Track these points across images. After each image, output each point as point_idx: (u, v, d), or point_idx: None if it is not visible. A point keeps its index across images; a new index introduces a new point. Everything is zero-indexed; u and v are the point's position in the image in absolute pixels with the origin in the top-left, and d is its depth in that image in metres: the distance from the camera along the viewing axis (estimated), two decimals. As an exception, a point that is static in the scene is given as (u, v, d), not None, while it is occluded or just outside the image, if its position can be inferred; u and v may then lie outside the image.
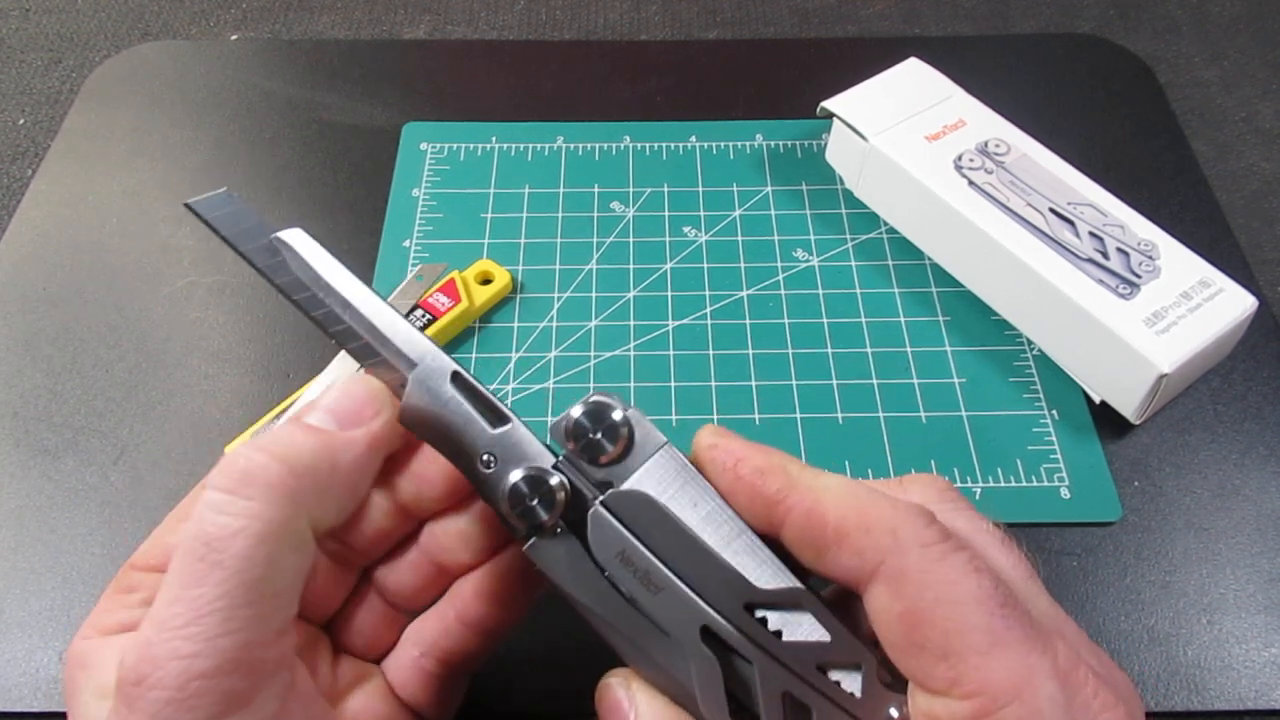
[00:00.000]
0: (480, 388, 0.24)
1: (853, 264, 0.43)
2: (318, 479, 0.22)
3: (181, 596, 0.20)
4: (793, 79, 0.51)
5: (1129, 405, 0.37)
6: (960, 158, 0.42)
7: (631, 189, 0.46)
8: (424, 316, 0.39)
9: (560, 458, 0.24)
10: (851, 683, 0.23)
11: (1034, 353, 0.40)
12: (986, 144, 0.42)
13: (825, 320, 0.41)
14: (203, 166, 0.47)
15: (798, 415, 0.38)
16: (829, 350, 0.40)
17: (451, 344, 0.40)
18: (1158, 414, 0.39)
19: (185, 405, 0.39)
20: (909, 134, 0.42)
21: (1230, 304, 0.37)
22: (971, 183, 0.41)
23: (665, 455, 0.24)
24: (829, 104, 0.44)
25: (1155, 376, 0.35)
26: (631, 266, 0.43)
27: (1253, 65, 0.53)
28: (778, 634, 0.23)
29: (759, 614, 0.23)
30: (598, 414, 0.23)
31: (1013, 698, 0.20)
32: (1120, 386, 0.37)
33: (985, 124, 0.43)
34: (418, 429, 0.24)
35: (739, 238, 0.44)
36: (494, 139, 0.48)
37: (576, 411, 0.23)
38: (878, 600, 0.22)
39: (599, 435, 0.23)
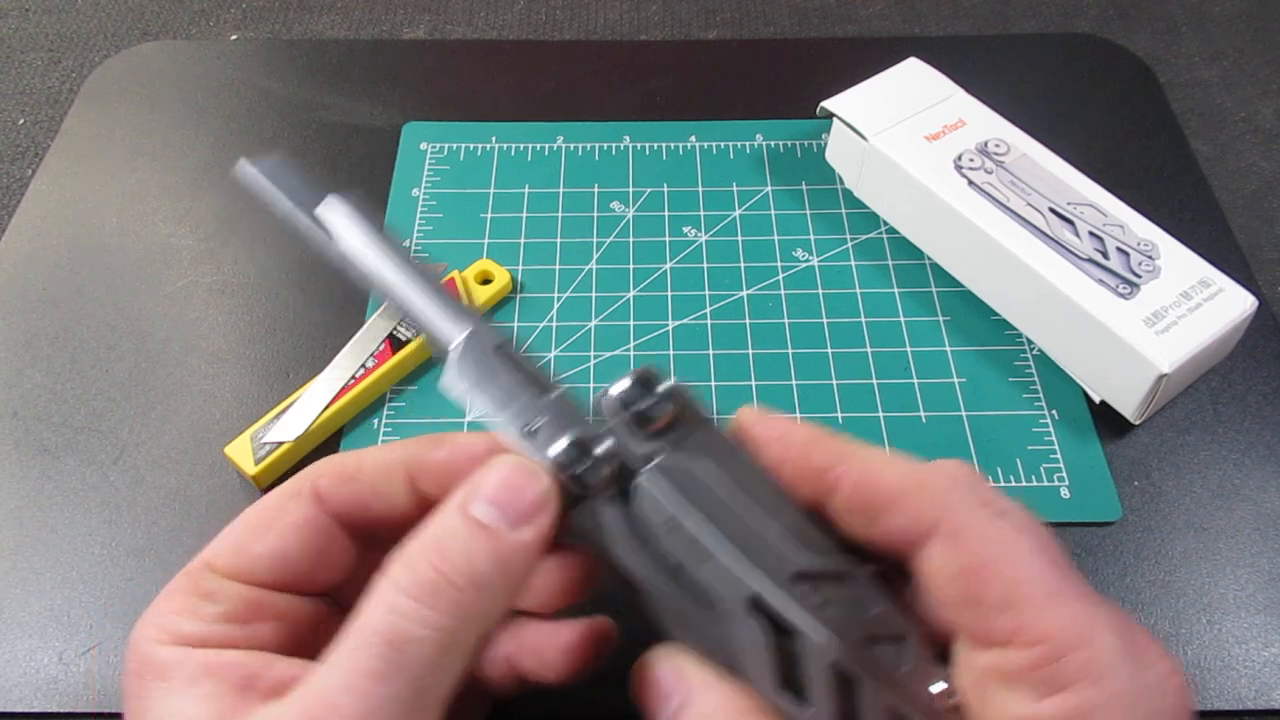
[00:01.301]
0: (526, 357, 0.24)
1: (852, 264, 0.43)
2: (495, 590, 0.22)
3: (356, 688, 0.20)
4: (792, 79, 0.51)
5: (1129, 405, 0.37)
6: (960, 157, 0.42)
7: (631, 189, 0.46)
8: None
9: (606, 428, 0.24)
10: (896, 657, 0.23)
11: (1034, 352, 0.40)
12: (986, 144, 0.42)
13: (825, 320, 0.41)
14: (203, 166, 0.47)
15: (798, 415, 0.38)
16: (829, 350, 0.40)
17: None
18: (1157, 414, 0.39)
19: (185, 405, 0.39)
20: (909, 134, 0.42)
21: (1230, 304, 0.37)
22: (971, 182, 0.41)
23: (711, 429, 0.24)
24: (829, 104, 0.44)
25: (1155, 376, 0.35)
26: (631, 266, 0.43)
27: (1253, 65, 0.53)
28: (826, 605, 0.23)
29: (806, 586, 0.23)
30: (646, 385, 0.23)
31: (1076, 645, 0.20)
32: (1120, 386, 0.37)
33: (985, 124, 0.43)
34: (469, 394, 0.24)
35: (739, 238, 0.44)
36: (494, 139, 0.48)
37: (625, 382, 0.24)
38: (934, 558, 0.22)
39: (647, 406, 0.23)
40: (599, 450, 0.23)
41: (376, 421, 0.38)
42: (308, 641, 0.24)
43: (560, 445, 0.23)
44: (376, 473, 0.24)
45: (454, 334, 0.24)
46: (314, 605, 0.25)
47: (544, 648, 0.26)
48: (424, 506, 0.24)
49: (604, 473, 0.23)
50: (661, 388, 0.23)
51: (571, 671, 0.26)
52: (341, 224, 0.25)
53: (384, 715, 0.20)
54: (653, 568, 0.23)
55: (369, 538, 0.25)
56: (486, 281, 0.41)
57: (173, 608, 0.23)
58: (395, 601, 0.21)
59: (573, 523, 0.23)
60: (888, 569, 0.24)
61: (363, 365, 0.38)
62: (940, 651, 0.23)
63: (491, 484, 0.22)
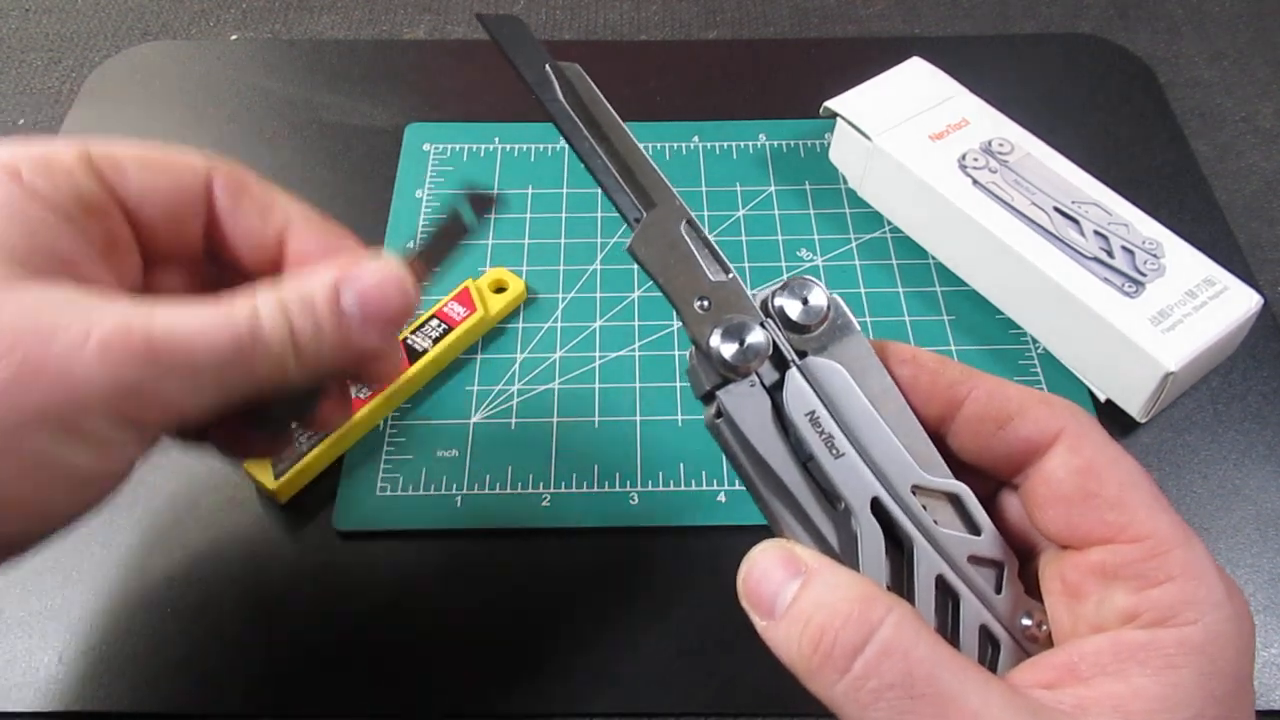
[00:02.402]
0: (710, 238, 0.26)
1: (857, 263, 0.43)
2: (320, 365, 0.25)
3: (200, 342, 0.23)
4: (794, 79, 0.51)
5: (1135, 404, 0.37)
6: (964, 157, 0.42)
7: (634, 189, 0.46)
8: (440, 326, 0.39)
9: (766, 320, 0.25)
10: (993, 581, 0.24)
11: (1039, 351, 0.40)
12: (990, 143, 0.42)
13: (830, 319, 0.41)
14: (203, 166, 0.47)
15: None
16: (833, 349, 0.40)
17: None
18: (1159, 414, 0.39)
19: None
20: (913, 133, 0.43)
21: (1235, 302, 0.37)
22: (975, 182, 0.41)
23: (857, 339, 0.25)
24: (832, 104, 0.44)
25: (1161, 375, 0.35)
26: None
27: (1253, 65, 0.53)
28: (936, 523, 0.24)
29: (921, 500, 0.24)
30: (802, 289, 0.25)
31: (1179, 544, 0.22)
32: (1126, 385, 0.37)
33: (989, 123, 0.43)
34: (646, 262, 0.26)
35: (743, 237, 0.44)
36: (497, 140, 0.48)
37: (784, 285, 0.25)
38: (1056, 458, 0.24)
39: (804, 307, 0.25)
40: (757, 337, 0.24)
41: (382, 425, 0.38)
42: (111, 264, 0.25)
43: (723, 324, 0.25)
44: (262, 203, 0.28)
45: (648, 203, 0.26)
46: (133, 246, 0.27)
47: None
48: (277, 258, 0.28)
49: (756, 359, 0.24)
50: (821, 295, 0.25)
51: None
52: (568, 88, 0.27)
53: (201, 379, 0.23)
54: (787, 456, 0.24)
55: (217, 242, 0.28)
56: (500, 290, 0.41)
57: (37, 162, 0.24)
58: (267, 319, 0.24)
59: (719, 400, 0.25)
60: (986, 497, 0.25)
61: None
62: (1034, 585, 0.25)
63: (369, 283, 0.25)
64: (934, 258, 0.43)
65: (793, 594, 0.22)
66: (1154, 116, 0.49)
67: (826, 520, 0.24)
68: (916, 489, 0.24)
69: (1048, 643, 0.24)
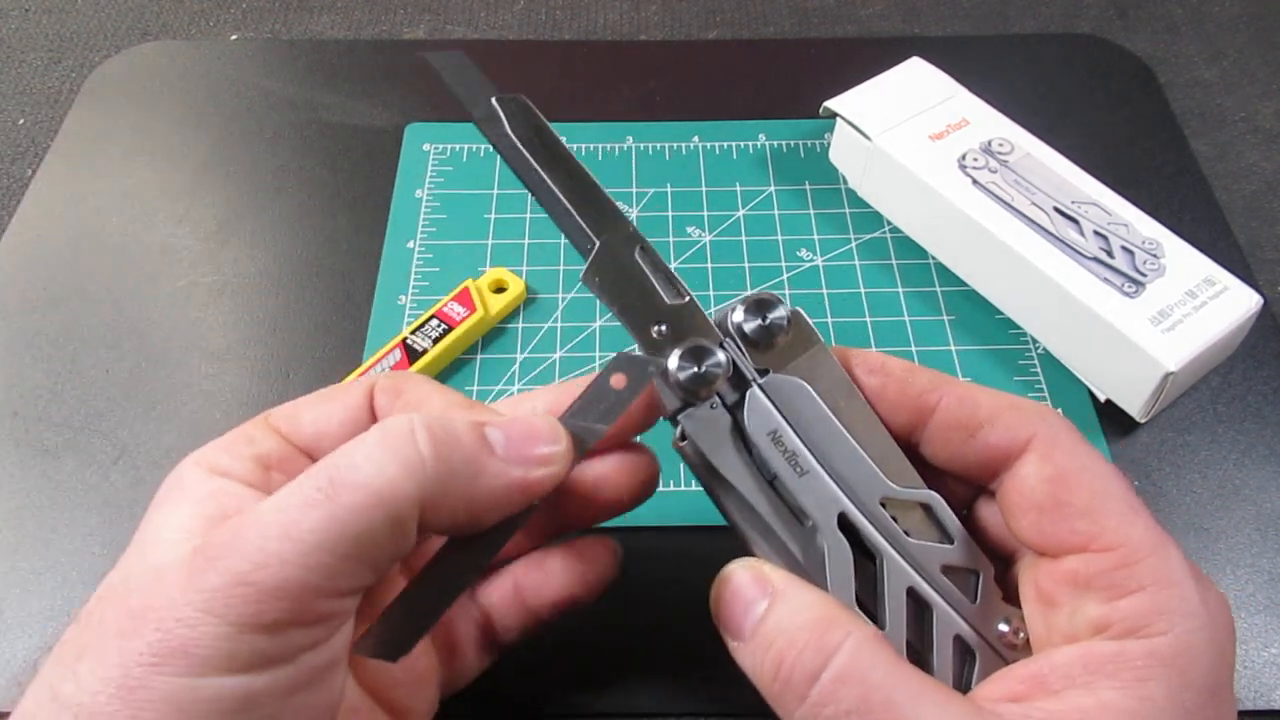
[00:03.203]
0: (663, 262, 0.26)
1: (857, 263, 0.43)
2: (453, 484, 0.22)
3: (286, 508, 0.20)
4: (793, 79, 0.51)
5: (1135, 404, 0.37)
6: (964, 157, 0.42)
7: (635, 189, 0.46)
8: (440, 326, 0.39)
9: (725, 339, 0.25)
10: (968, 590, 0.24)
11: (1039, 351, 0.40)
12: (990, 143, 0.42)
13: (830, 320, 0.41)
14: (203, 166, 0.47)
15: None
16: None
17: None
18: (1159, 414, 0.39)
19: (185, 405, 0.39)
20: (912, 133, 0.42)
21: (1235, 302, 0.37)
22: (975, 182, 0.41)
23: (820, 353, 0.25)
24: (832, 104, 0.44)
25: (1161, 375, 0.35)
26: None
27: (1253, 65, 0.53)
28: (906, 533, 0.24)
29: (891, 512, 0.24)
30: (765, 306, 0.25)
31: (1152, 552, 0.22)
32: (1126, 385, 0.37)
33: (989, 123, 0.43)
34: (600, 291, 0.25)
35: (743, 238, 0.44)
36: (496, 139, 0.48)
37: (745, 301, 0.25)
38: (1027, 466, 0.23)
39: (765, 323, 0.25)
40: (714, 359, 0.24)
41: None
42: None
43: (681, 348, 0.24)
44: (416, 399, 0.26)
45: (599, 230, 0.25)
46: None
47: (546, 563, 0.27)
48: None
49: (716, 381, 0.24)
50: (781, 310, 0.25)
51: (570, 594, 0.27)
52: (515, 120, 0.27)
53: (297, 542, 0.20)
54: (751, 476, 0.24)
55: None
56: (500, 290, 0.41)
57: (220, 444, 0.25)
58: (354, 448, 0.21)
59: (681, 425, 0.25)
60: (966, 501, 0.25)
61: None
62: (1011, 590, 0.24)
63: (517, 422, 0.24)
64: (934, 258, 0.43)
65: (759, 616, 0.22)
66: (1154, 116, 0.49)
67: (794, 538, 0.24)
68: (886, 501, 0.24)
69: (1026, 648, 0.24)
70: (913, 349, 0.40)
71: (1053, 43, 0.53)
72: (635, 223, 0.44)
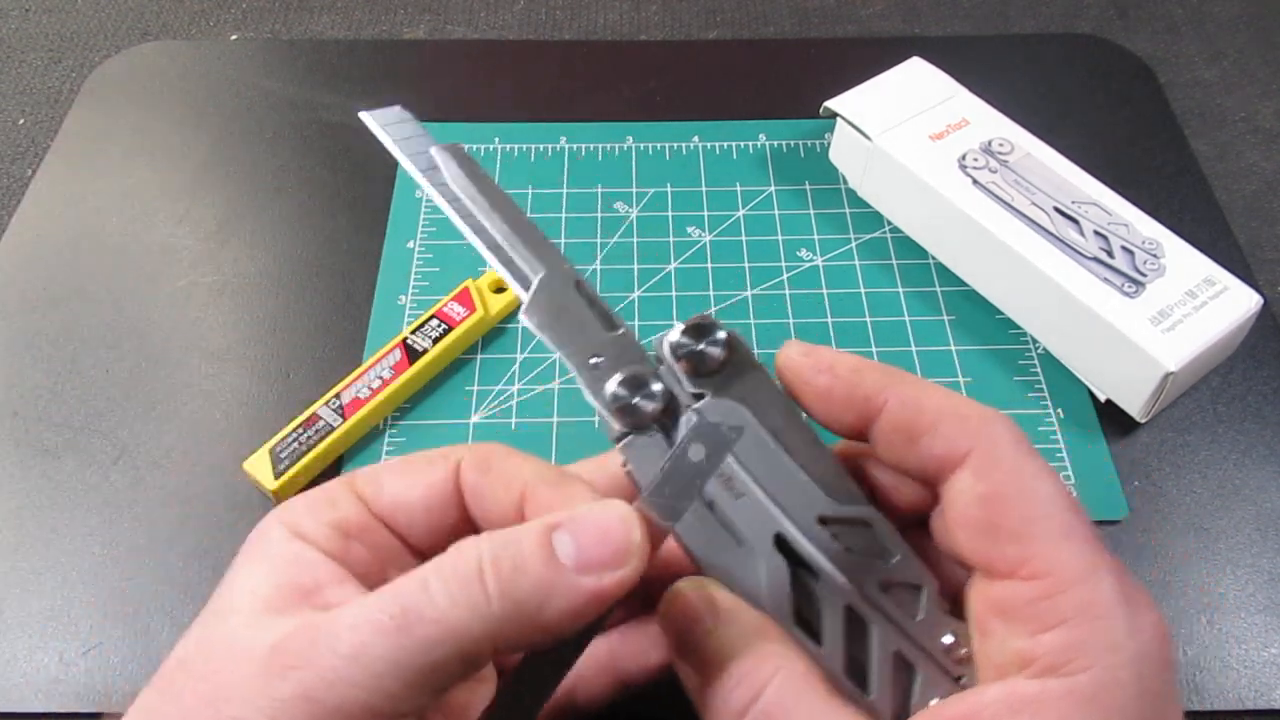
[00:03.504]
0: (598, 297, 0.26)
1: (857, 263, 0.43)
2: (522, 616, 0.21)
3: (358, 628, 0.21)
4: (794, 79, 0.51)
5: (1135, 403, 0.37)
6: (964, 157, 0.42)
7: (635, 189, 0.46)
8: (440, 326, 0.39)
9: (662, 367, 0.25)
10: (910, 605, 0.24)
11: (1039, 351, 0.40)
12: (990, 143, 0.42)
13: (830, 320, 0.41)
14: (203, 166, 0.47)
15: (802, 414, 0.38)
16: (833, 349, 0.40)
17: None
18: (1159, 414, 0.39)
19: (185, 405, 0.39)
20: (913, 133, 0.42)
21: (1235, 302, 0.37)
22: (976, 182, 0.41)
23: (759, 375, 0.25)
24: (832, 104, 0.44)
25: (1161, 375, 0.35)
26: (636, 267, 0.43)
27: (1253, 65, 0.53)
28: (847, 550, 0.24)
29: (830, 530, 0.24)
30: (701, 331, 0.25)
31: (1076, 583, 0.21)
32: (1126, 385, 0.37)
33: (989, 123, 0.43)
34: (539, 329, 0.26)
35: (743, 238, 0.44)
36: (496, 140, 0.48)
37: (682, 326, 0.25)
38: (962, 482, 0.23)
39: (700, 348, 0.25)
40: (651, 388, 0.25)
41: (382, 425, 0.38)
42: (388, 578, 0.24)
43: (617, 378, 0.25)
44: (504, 473, 0.25)
45: (536, 270, 0.26)
46: (407, 553, 0.26)
47: (645, 646, 0.27)
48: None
49: (653, 409, 0.25)
50: (719, 334, 0.25)
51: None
52: (452, 169, 0.27)
53: (367, 666, 0.20)
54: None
55: (481, 529, 0.26)
56: (500, 290, 0.41)
57: (305, 502, 0.25)
58: (430, 578, 0.21)
59: (619, 454, 0.25)
60: (912, 524, 0.25)
61: (380, 377, 0.38)
62: (955, 606, 0.24)
63: (583, 516, 0.23)
64: (934, 258, 0.43)
65: (701, 635, 0.22)
66: (1154, 116, 0.49)
67: (735, 560, 0.24)
68: (826, 519, 0.24)
69: (972, 663, 0.23)
70: (913, 349, 0.40)
71: (1053, 43, 0.53)
72: (634, 221, 0.45)
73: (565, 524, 0.22)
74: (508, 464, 0.25)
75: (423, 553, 0.25)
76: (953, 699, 0.22)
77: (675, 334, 0.25)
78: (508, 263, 0.27)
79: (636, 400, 0.24)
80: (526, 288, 0.26)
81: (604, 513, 0.23)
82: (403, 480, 0.25)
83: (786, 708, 0.21)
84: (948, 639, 0.24)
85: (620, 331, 0.26)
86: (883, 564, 0.24)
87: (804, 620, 0.24)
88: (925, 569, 0.24)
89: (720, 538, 0.24)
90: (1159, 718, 0.21)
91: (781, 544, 0.24)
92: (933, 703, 0.22)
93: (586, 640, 0.23)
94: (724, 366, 0.25)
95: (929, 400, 0.24)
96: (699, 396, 0.25)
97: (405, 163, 0.27)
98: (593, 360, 0.25)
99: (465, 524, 0.26)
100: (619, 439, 0.25)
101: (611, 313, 0.26)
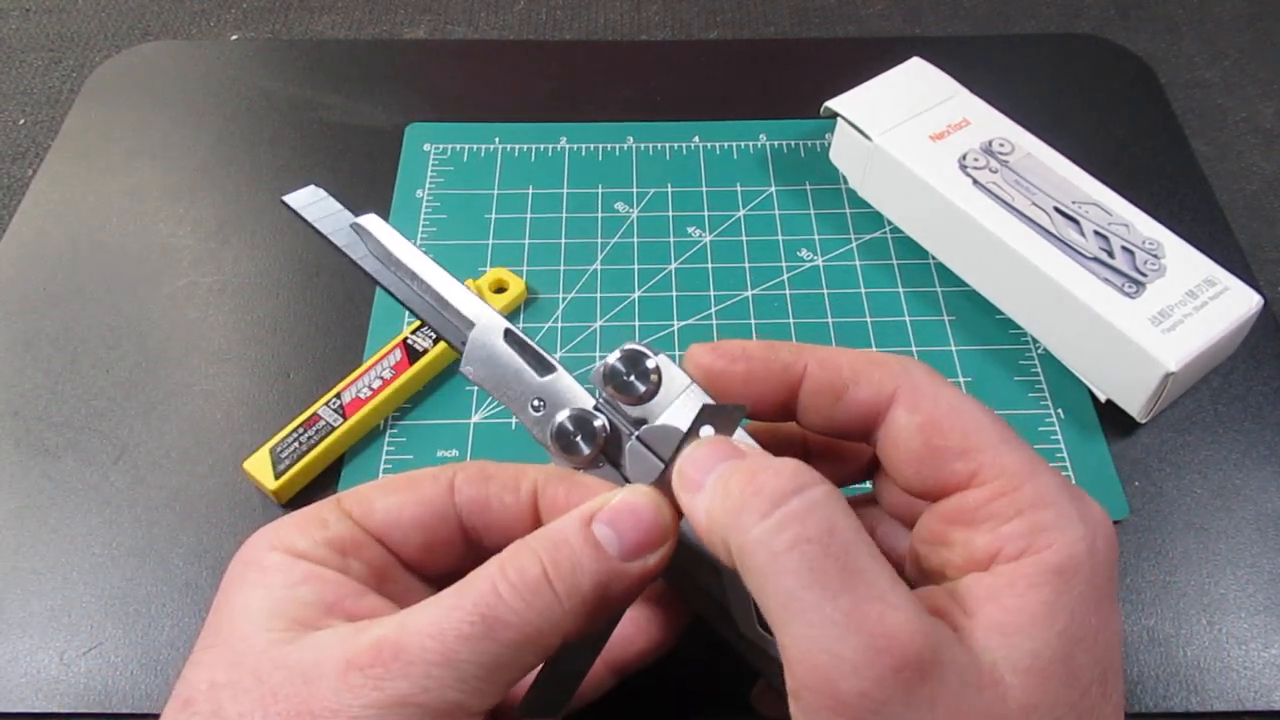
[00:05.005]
0: (530, 342, 0.27)
1: (857, 263, 0.43)
2: (589, 607, 0.23)
3: (443, 637, 0.22)
4: (794, 79, 0.51)
5: (1135, 404, 0.37)
6: (964, 157, 0.42)
7: (635, 189, 0.46)
8: None
9: (600, 400, 0.26)
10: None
11: (1039, 351, 0.40)
12: (991, 143, 0.42)
13: (830, 320, 0.41)
14: (203, 166, 0.47)
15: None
16: (834, 349, 0.40)
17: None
18: (1159, 414, 0.39)
19: (185, 405, 0.39)
20: (913, 133, 0.42)
21: (1236, 302, 0.37)
22: (976, 182, 0.41)
23: (691, 394, 0.26)
24: (832, 104, 0.44)
25: (1162, 375, 0.35)
26: (636, 267, 0.43)
27: (1253, 65, 0.53)
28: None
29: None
30: (632, 360, 0.26)
31: (1027, 479, 0.23)
32: (1126, 385, 0.37)
33: (989, 123, 0.43)
34: (478, 381, 0.27)
35: (743, 238, 0.44)
36: (497, 140, 0.48)
37: (613, 359, 0.26)
38: (897, 419, 0.24)
39: (632, 378, 0.26)
40: (594, 420, 0.26)
41: (382, 425, 0.38)
42: (384, 591, 0.25)
43: (558, 420, 0.26)
44: (508, 479, 0.26)
45: (469, 325, 0.27)
46: (400, 567, 0.27)
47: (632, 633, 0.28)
48: (535, 525, 0.25)
49: (597, 441, 0.26)
50: (649, 363, 0.26)
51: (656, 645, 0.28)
52: (371, 240, 0.28)
53: (457, 670, 0.22)
54: None
55: (476, 542, 0.27)
56: (501, 290, 0.41)
57: (292, 525, 0.25)
58: (500, 584, 0.22)
59: None
60: (863, 502, 0.27)
61: (380, 377, 0.38)
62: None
63: (617, 506, 0.24)
64: (934, 258, 0.43)
65: (729, 466, 0.22)
66: (1154, 116, 0.49)
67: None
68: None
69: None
70: (913, 349, 0.40)
71: (1053, 43, 0.53)
72: (635, 221, 0.45)
73: (600, 515, 0.24)
74: (508, 470, 0.26)
75: (413, 567, 0.26)
76: (929, 590, 0.23)
77: (607, 368, 0.26)
78: (441, 324, 0.28)
79: (578, 439, 0.26)
80: (462, 344, 0.27)
81: (634, 498, 0.24)
82: (394, 498, 0.26)
83: (832, 512, 0.21)
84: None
85: (555, 374, 0.27)
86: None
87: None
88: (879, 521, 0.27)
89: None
90: (1109, 595, 0.23)
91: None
92: None
93: (619, 617, 0.25)
94: (656, 391, 0.26)
95: (844, 357, 0.25)
96: (639, 421, 0.26)
97: (325, 240, 0.29)
98: (533, 405, 0.27)
99: (459, 537, 0.26)
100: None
101: (545, 355, 0.27)
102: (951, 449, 0.23)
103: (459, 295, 0.28)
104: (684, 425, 0.25)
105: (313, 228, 0.29)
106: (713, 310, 0.41)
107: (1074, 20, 0.55)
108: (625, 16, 0.56)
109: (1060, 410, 0.38)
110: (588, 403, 0.26)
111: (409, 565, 0.26)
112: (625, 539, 0.23)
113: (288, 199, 0.29)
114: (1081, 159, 0.42)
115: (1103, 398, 0.39)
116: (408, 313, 0.28)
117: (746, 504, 0.21)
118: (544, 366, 0.27)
